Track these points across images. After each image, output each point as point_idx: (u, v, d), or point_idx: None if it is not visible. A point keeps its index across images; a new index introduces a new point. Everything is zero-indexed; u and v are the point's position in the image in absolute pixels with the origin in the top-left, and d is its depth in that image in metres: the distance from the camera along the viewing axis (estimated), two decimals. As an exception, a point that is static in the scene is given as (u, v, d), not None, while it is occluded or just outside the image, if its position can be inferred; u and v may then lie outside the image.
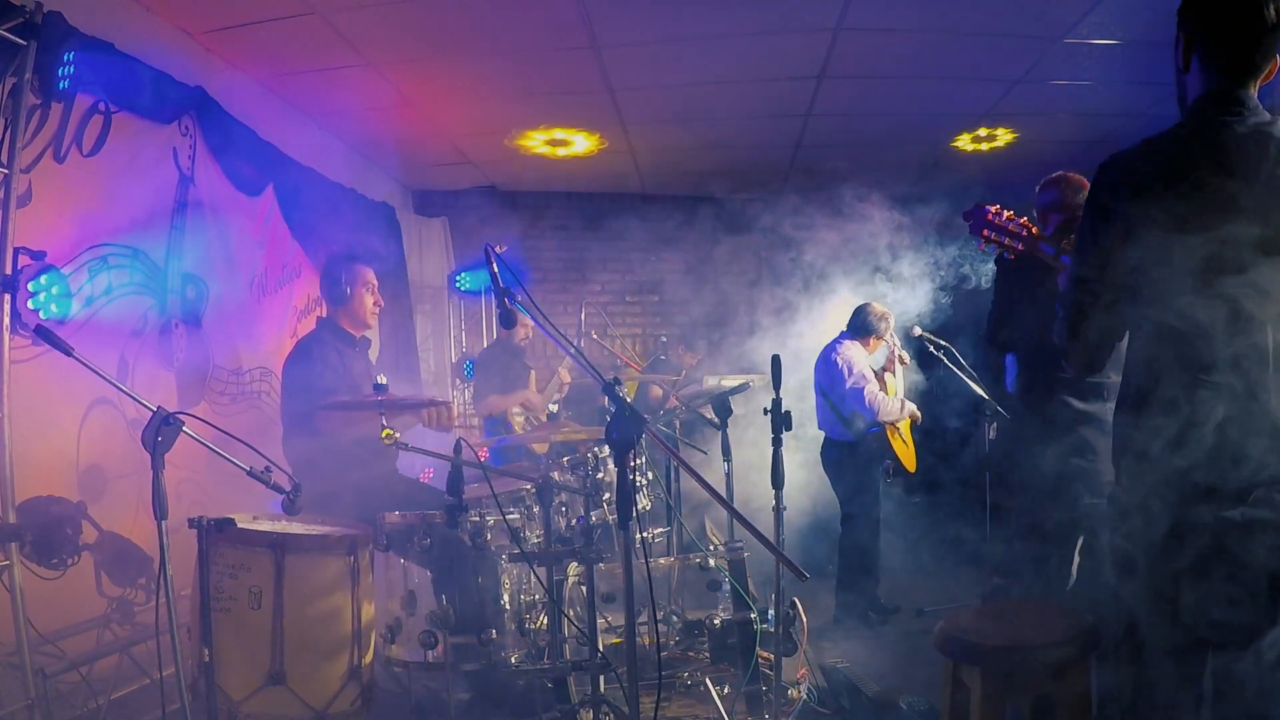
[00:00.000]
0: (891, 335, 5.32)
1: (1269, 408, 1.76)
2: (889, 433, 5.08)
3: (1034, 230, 2.38)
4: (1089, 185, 2.06)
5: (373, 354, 5.60)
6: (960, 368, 5.10)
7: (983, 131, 6.50)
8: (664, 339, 7.53)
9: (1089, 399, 2.94)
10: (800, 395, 5.77)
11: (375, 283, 4.05)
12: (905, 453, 5.20)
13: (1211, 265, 1.78)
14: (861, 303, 5.23)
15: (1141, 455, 1.87)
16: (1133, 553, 1.87)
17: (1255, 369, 1.77)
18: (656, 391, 6.61)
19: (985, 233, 2.36)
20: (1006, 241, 2.35)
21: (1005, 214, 2.35)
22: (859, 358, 5.02)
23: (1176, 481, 1.79)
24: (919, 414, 5.24)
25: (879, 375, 5.16)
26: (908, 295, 5.53)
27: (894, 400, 5.08)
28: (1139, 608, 1.87)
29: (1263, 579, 1.75)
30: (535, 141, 6.64)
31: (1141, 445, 1.87)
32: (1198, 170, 1.82)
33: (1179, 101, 1.98)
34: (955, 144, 6.75)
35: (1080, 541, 2.97)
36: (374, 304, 4.04)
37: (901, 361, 5.39)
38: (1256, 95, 1.89)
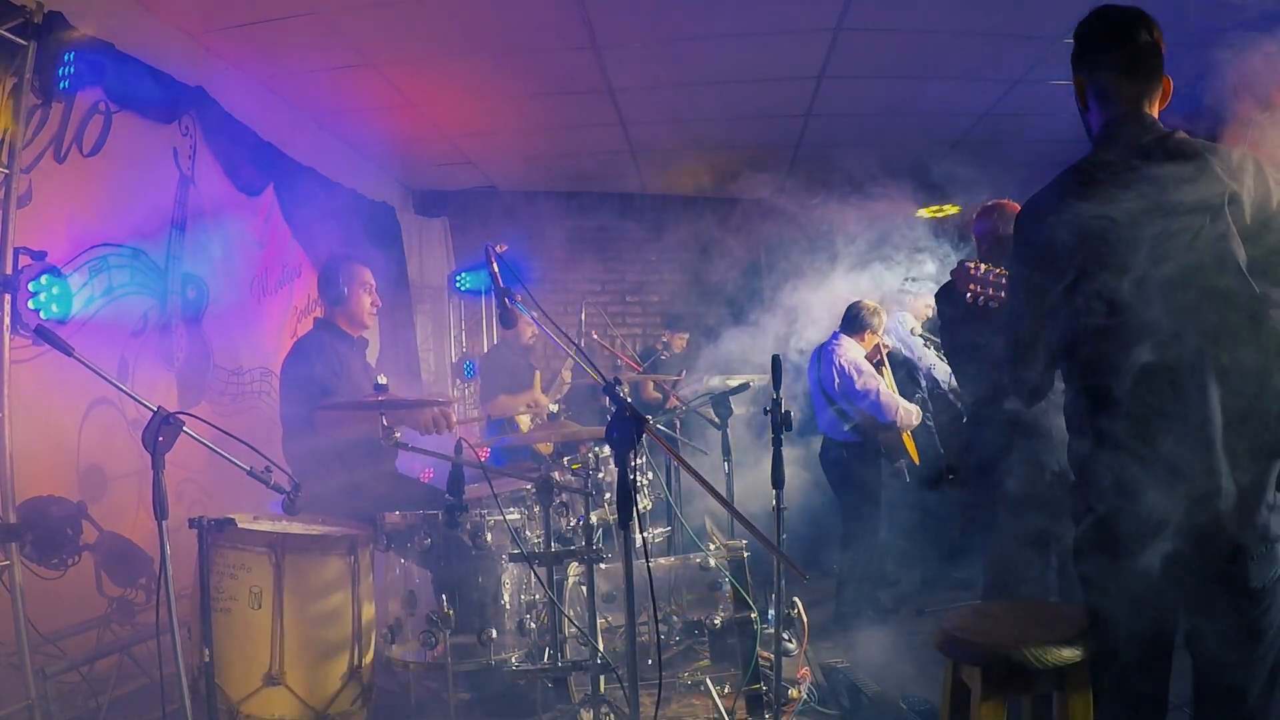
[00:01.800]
0: (883, 333, 5.30)
1: (1204, 423, 1.84)
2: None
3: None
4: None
5: (372, 354, 5.60)
6: (959, 367, 5.10)
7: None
8: (664, 340, 7.53)
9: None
10: (799, 395, 5.77)
11: (373, 282, 4.03)
12: (909, 446, 5.20)
13: (1136, 282, 1.86)
14: (854, 300, 5.25)
15: (1092, 477, 1.96)
16: (1094, 553, 1.98)
17: (1185, 380, 1.85)
18: (653, 392, 6.62)
19: (971, 286, 2.56)
20: (991, 292, 2.54)
21: (983, 268, 2.55)
22: (860, 356, 5.02)
23: (1126, 499, 1.88)
24: (920, 416, 5.24)
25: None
26: (910, 295, 5.52)
27: (911, 404, 5.06)
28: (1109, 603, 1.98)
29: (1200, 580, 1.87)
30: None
31: (1091, 468, 1.97)
32: (1112, 193, 1.90)
33: (1088, 136, 2.10)
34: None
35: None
36: (371, 304, 4.01)
37: (884, 348, 5.34)
38: (1155, 115, 2.00)
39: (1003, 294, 2.51)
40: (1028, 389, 2.16)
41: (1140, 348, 1.86)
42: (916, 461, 5.22)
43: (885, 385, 4.96)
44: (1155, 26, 1.99)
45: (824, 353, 5.12)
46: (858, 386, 4.90)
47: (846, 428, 5.06)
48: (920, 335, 5.32)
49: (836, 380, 4.99)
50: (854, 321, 5.14)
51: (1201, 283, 1.86)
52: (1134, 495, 1.86)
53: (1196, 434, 1.83)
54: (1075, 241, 1.92)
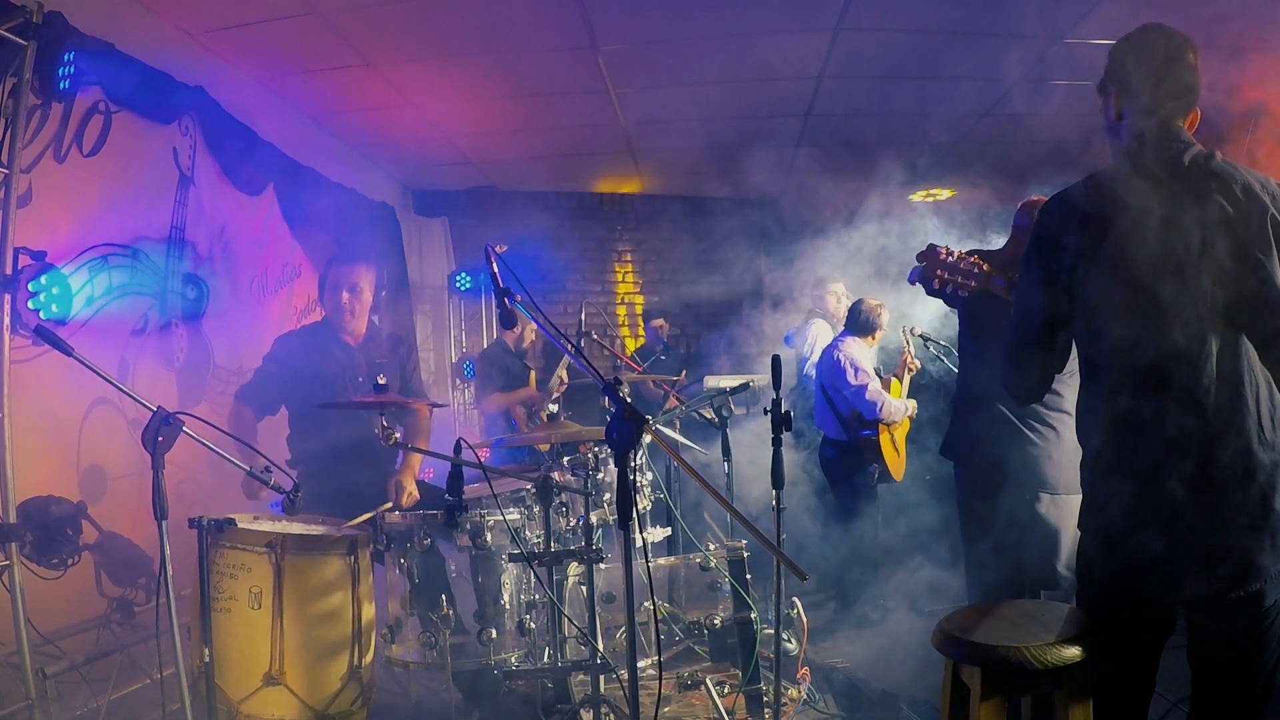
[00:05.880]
0: (907, 344, 5.32)
1: (1216, 425, 1.85)
2: (881, 438, 5.06)
3: (985, 267, 2.41)
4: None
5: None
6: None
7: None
8: (659, 336, 7.56)
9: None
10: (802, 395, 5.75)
11: (356, 282, 3.77)
12: (895, 461, 5.17)
13: (1156, 291, 1.86)
14: (856, 299, 5.26)
15: (1099, 470, 1.99)
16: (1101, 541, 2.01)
17: (1199, 385, 1.86)
18: (653, 389, 6.64)
19: (939, 272, 2.39)
20: (960, 280, 2.38)
21: (956, 254, 2.39)
22: (862, 355, 5.04)
23: (1134, 491, 1.90)
24: (915, 410, 5.25)
25: (883, 378, 5.17)
26: (911, 295, 5.52)
27: (898, 401, 5.08)
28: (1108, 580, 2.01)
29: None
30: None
31: (1099, 465, 1.99)
32: (1141, 201, 1.89)
33: (1114, 148, 2.08)
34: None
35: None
36: (345, 301, 3.75)
37: (910, 369, 5.37)
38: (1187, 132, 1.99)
39: (972, 283, 2.38)
40: (1026, 385, 2.13)
41: (1170, 358, 1.86)
42: (897, 478, 5.20)
43: (876, 382, 5.00)
44: (1196, 50, 1.99)
45: (828, 352, 5.16)
46: (851, 382, 4.94)
47: (836, 424, 5.09)
48: (920, 335, 5.33)
49: (831, 374, 5.04)
50: (858, 322, 5.17)
51: (1239, 299, 1.86)
52: (1154, 503, 1.87)
53: (1230, 452, 1.84)
54: (1099, 243, 1.90)
